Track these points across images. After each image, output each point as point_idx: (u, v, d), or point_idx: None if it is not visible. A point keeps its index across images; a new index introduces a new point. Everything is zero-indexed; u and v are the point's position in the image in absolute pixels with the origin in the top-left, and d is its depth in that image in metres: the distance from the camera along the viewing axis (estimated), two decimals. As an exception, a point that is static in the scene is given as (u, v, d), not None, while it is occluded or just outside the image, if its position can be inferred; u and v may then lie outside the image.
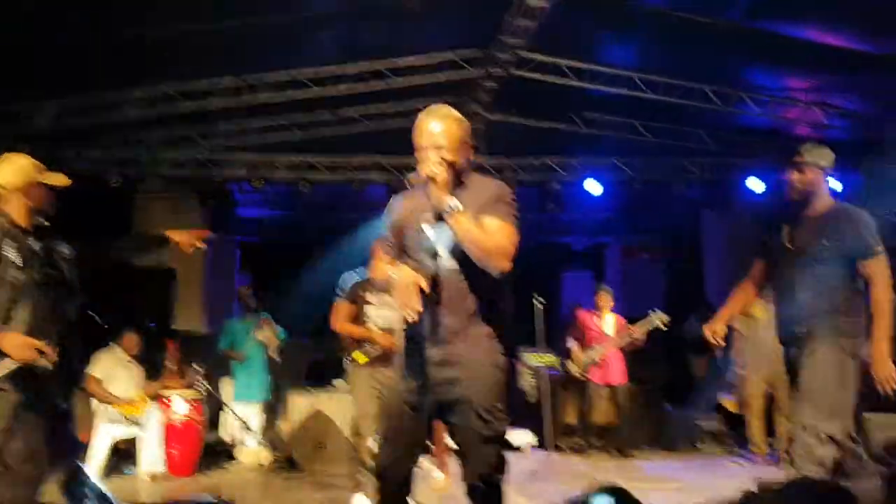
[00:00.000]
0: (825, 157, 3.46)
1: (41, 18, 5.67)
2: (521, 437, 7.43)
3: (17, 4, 5.32)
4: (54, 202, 3.21)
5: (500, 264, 2.71)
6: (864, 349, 3.28)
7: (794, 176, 3.46)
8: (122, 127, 7.81)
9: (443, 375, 2.73)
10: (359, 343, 4.83)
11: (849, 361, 3.23)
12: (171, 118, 7.77)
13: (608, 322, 7.09)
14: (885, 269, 3.22)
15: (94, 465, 5.98)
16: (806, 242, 3.38)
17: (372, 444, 4.59)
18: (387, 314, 4.78)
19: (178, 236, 3.51)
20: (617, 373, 7.04)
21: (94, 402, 6.23)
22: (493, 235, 2.68)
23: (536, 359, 8.00)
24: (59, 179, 3.19)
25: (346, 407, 7.20)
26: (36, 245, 3.11)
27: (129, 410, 6.14)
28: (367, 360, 4.74)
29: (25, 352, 2.93)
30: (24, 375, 2.98)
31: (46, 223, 3.20)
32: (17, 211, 3.09)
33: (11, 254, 3.02)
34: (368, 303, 4.83)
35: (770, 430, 6.67)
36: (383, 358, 4.66)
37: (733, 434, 7.44)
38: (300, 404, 7.08)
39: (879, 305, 3.21)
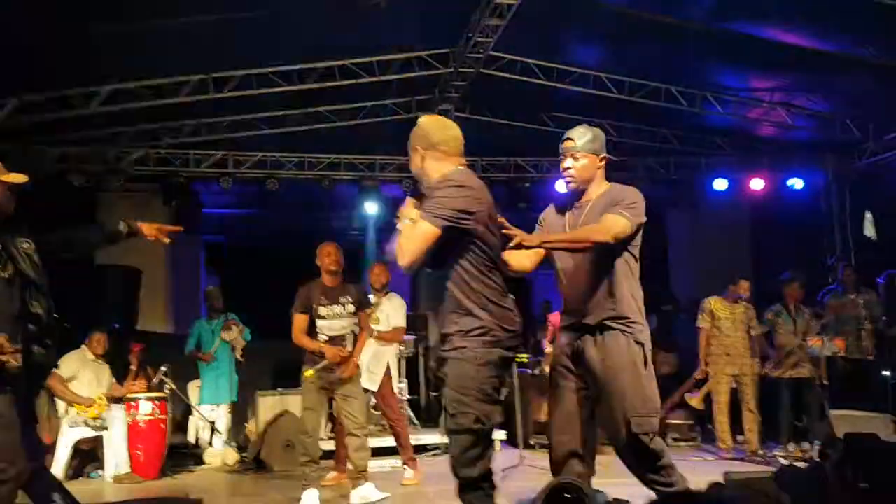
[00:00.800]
0: (597, 139, 3.34)
1: (6, 13, 5.53)
2: (493, 434, 7.44)
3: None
4: (14, 200, 3.14)
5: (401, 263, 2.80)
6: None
7: (569, 164, 3.31)
8: (85, 124, 7.65)
9: (440, 375, 2.86)
10: (311, 356, 5.04)
11: (639, 350, 3.15)
12: (136, 115, 7.64)
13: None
14: (623, 228, 3.10)
15: (57, 466, 5.86)
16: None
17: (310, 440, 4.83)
18: (336, 324, 5.06)
19: (145, 228, 3.42)
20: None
21: (59, 404, 6.11)
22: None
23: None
24: (17, 178, 3.12)
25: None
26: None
27: (89, 413, 6.03)
28: (313, 375, 4.97)
29: None
30: None
31: (4, 221, 3.12)
32: None
33: None
34: (320, 316, 5.06)
35: (736, 425, 6.78)
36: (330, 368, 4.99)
37: (699, 429, 7.54)
38: (268, 404, 7.01)
39: (592, 227, 3.14)
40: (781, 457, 6.34)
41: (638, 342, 3.17)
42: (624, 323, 3.17)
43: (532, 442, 7.15)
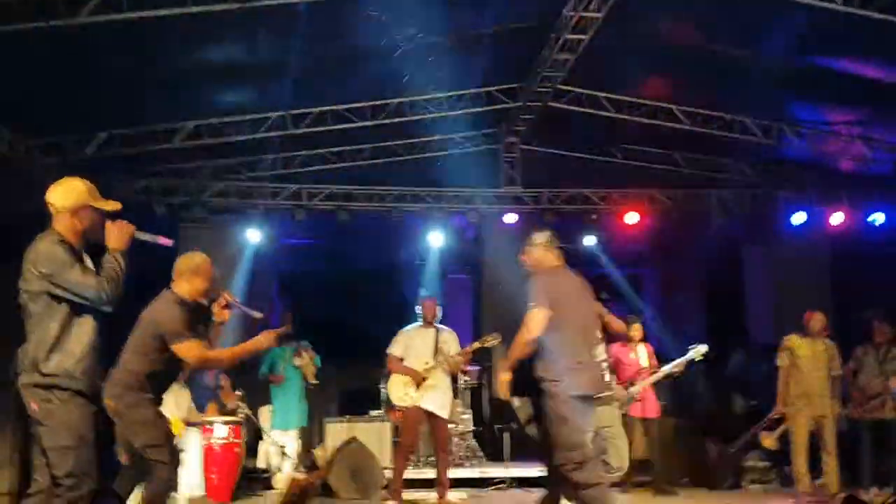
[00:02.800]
0: (538, 237, 4.47)
1: (92, 49, 5.90)
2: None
3: (66, 36, 5.54)
4: (99, 229, 3.24)
5: None
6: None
7: (523, 258, 4.50)
8: (168, 157, 8.04)
9: None
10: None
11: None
12: (217, 148, 7.99)
13: (641, 353, 7.01)
14: (532, 319, 4.15)
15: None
16: None
17: None
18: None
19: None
20: (651, 406, 6.94)
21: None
22: None
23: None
24: (111, 205, 3.26)
25: (382, 434, 7.25)
26: (90, 264, 3.17)
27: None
28: None
29: None
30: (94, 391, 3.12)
31: (98, 247, 3.28)
32: (67, 230, 3.16)
33: None
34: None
35: (815, 467, 6.49)
36: None
37: (777, 471, 7.25)
38: (335, 431, 7.12)
39: (514, 343, 4.29)
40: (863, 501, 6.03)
41: None
42: None
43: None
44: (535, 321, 4.12)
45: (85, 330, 3.10)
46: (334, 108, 7.69)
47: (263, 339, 3.89)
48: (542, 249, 4.45)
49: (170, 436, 3.92)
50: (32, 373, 3.04)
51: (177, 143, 7.61)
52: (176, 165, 8.36)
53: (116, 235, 3.14)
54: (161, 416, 3.89)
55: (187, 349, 3.72)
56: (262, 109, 7.55)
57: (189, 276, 3.90)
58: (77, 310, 3.08)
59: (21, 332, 3.15)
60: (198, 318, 3.88)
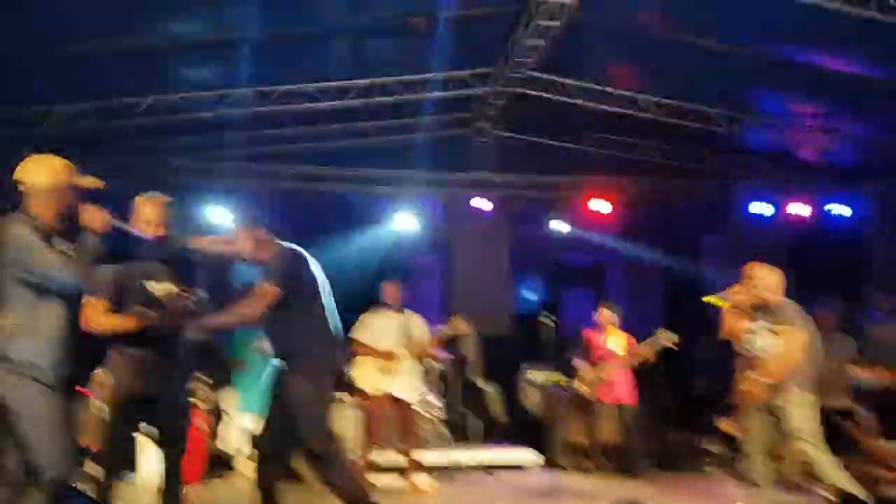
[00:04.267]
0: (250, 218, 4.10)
1: (55, 22, 5.70)
2: (527, 455, 7.40)
3: (28, 7, 5.36)
4: (78, 205, 3.12)
5: None
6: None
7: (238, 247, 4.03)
8: (131, 134, 7.82)
9: None
10: None
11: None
12: (181, 127, 7.79)
13: (613, 340, 7.08)
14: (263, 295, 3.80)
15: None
16: None
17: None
18: None
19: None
20: (626, 392, 7.02)
21: (104, 408, 6.17)
22: None
23: (542, 377, 7.99)
24: (92, 182, 3.11)
25: (349, 419, 7.19)
26: (62, 245, 3.03)
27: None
28: None
29: None
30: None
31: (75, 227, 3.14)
32: (45, 211, 3.02)
33: None
34: None
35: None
36: None
37: (736, 456, 7.41)
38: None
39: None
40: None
41: None
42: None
43: (566, 466, 7.10)
44: None
45: (53, 316, 2.98)
46: (301, 86, 7.55)
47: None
48: None
49: None
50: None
51: (136, 120, 7.39)
52: (134, 142, 8.14)
53: (96, 219, 3.04)
54: None
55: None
56: (226, 86, 7.38)
57: None
58: (44, 295, 2.95)
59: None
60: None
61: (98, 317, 3.58)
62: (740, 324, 5.13)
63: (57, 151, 7.21)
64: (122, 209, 8.99)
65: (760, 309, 5.05)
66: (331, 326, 3.97)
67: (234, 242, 3.99)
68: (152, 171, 8.32)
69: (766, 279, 5.06)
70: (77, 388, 6.52)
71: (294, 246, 4.02)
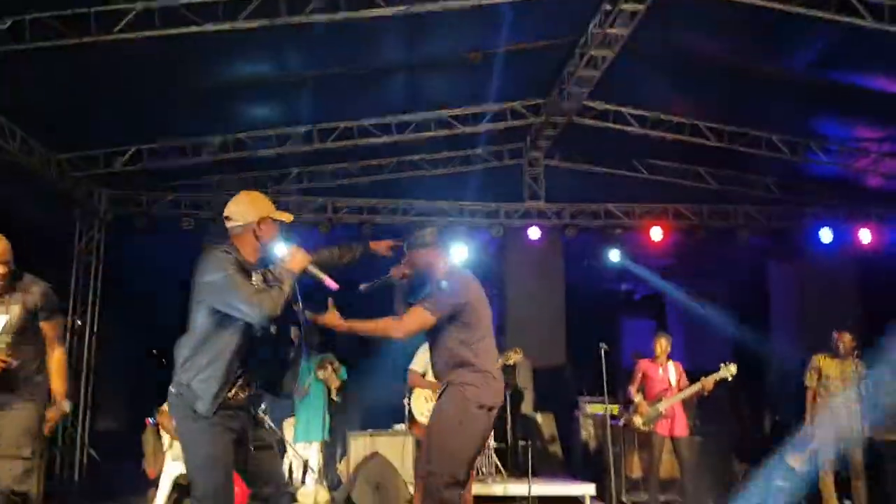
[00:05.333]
0: (424, 235, 3.86)
1: (122, 65, 6.00)
2: (582, 489, 7.27)
3: (98, 52, 5.64)
4: (276, 237, 3.23)
5: None
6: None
7: (406, 262, 3.87)
8: (195, 172, 8.15)
9: None
10: None
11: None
12: (243, 162, 8.08)
13: (670, 370, 6.92)
14: (417, 317, 3.65)
15: (159, 500, 6.11)
16: None
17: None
18: None
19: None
20: (680, 424, 6.85)
21: (165, 438, 6.38)
22: None
23: (598, 409, 7.87)
24: (287, 216, 3.25)
25: (405, 449, 7.22)
26: (257, 281, 3.12)
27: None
28: None
29: None
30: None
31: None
32: (245, 244, 3.13)
33: None
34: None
35: (843, 490, 6.38)
36: None
37: (805, 492, 7.12)
38: (359, 445, 7.11)
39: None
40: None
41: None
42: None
43: (625, 500, 6.94)
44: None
45: (226, 347, 3.02)
46: (360, 123, 7.75)
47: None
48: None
49: None
50: (173, 382, 3.04)
51: (204, 157, 7.71)
52: (203, 180, 8.47)
53: (299, 259, 3.10)
54: None
55: None
56: (288, 124, 7.64)
57: None
58: (225, 325, 3.01)
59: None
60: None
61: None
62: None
63: (134, 189, 7.53)
64: (192, 244, 9.33)
65: None
66: (492, 359, 3.78)
67: (410, 264, 3.85)
68: (216, 206, 8.63)
69: None
70: (146, 420, 6.79)
71: (466, 271, 3.92)
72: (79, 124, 6.83)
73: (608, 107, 7.81)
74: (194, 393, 2.98)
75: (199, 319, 3.03)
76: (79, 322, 7.84)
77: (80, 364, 7.79)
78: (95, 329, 8.00)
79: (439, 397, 3.75)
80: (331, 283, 3.21)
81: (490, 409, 3.63)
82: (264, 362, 3.18)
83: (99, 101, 6.41)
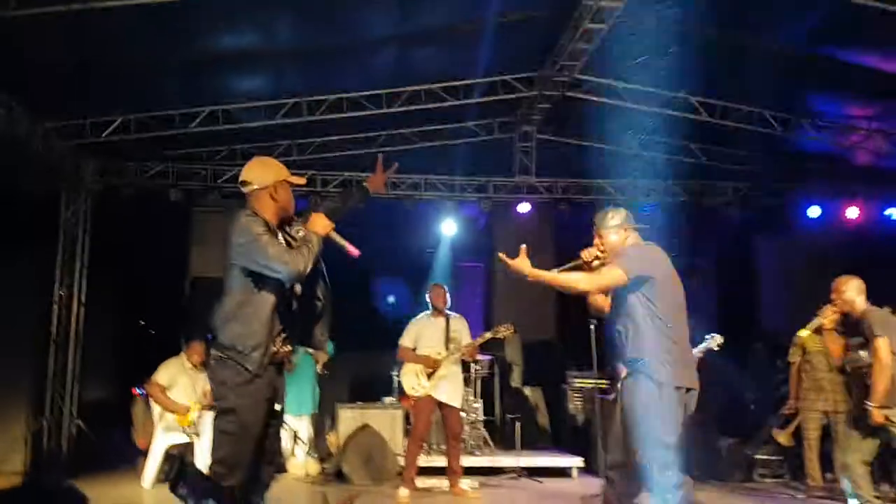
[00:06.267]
0: (612, 216, 3.83)
1: (111, 32, 5.90)
2: (570, 461, 7.37)
3: (87, 20, 5.54)
4: (291, 206, 3.34)
5: None
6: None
7: (597, 242, 3.83)
8: (184, 142, 8.05)
9: None
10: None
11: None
12: (232, 134, 7.99)
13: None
14: (611, 273, 3.58)
15: (150, 470, 6.13)
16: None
17: None
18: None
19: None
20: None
21: (155, 409, 6.39)
22: None
23: (586, 383, 7.94)
24: (301, 180, 3.38)
25: (394, 422, 7.29)
26: (282, 240, 3.22)
27: (181, 421, 6.26)
28: None
29: None
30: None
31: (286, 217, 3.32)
32: (264, 207, 3.23)
33: None
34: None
35: (827, 463, 6.49)
36: None
37: (789, 465, 7.25)
38: (348, 418, 7.16)
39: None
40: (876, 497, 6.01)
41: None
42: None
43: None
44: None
45: (264, 304, 3.11)
46: (350, 95, 7.67)
47: None
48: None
49: None
50: (213, 344, 3.14)
51: (193, 128, 7.62)
52: (191, 150, 8.38)
53: (322, 224, 3.22)
54: None
55: None
56: (277, 95, 7.54)
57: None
58: (261, 284, 3.11)
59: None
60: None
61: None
62: (839, 342, 5.05)
63: (122, 159, 7.44)
64: (179, 216, 9.19)
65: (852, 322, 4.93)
66: (685, 339, 3.68)
67: (600, 246, 3.79)
68: (204, 178, 8.56)
69: (849, 291, 4.90)
70: (132, 389, 6.79)
71: (659, 249, 3.81)
72: (67, 93, 6.71)
73: (601, 80, 7.76)
74: (241, 352, 3.06)
75: (235, 282, 3.13)
76: (61, 293, 7.77)
77: (68, 335, 7.75)
78: (83, 300, 7.94)
79: (626, 377, 3.63)
80: (352, 250, 3.26)
81: (688, 390, 3.58)
82: (296, 318, 3.27)
83: (88, 70, 6.30)
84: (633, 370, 3.59)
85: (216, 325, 3.13)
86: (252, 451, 3.09)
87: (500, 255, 3.48)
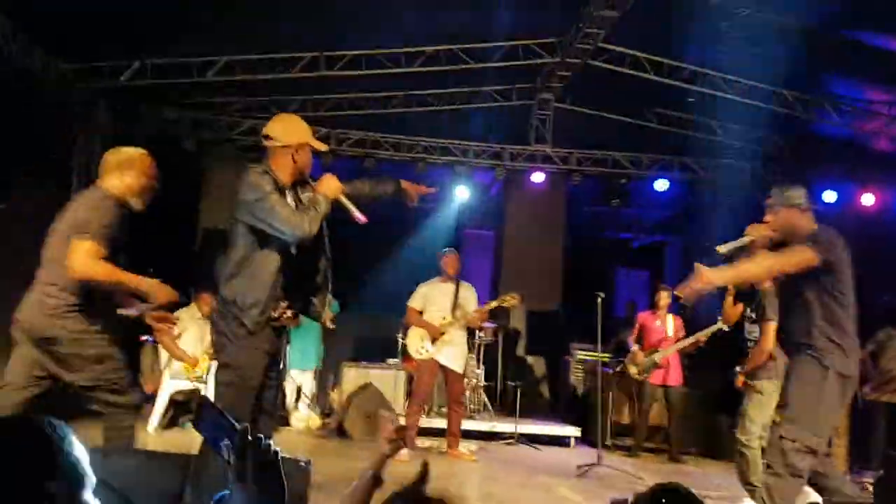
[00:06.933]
0: (796, 194, 3.66)
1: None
2: (568, 430, 7.43)
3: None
4: (309, 168, 3.29)
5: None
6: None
7: (769, 219, 3.66)
8: (200, 91, 7.99)
9: None
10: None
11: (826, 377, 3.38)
12: (249, 86, 7.92)
13: (668, 322, 7.00)
14: (802, 252, 3.41)
15: (155, 415, 6.21)
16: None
17: None
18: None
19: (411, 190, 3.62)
20: (674, 374, 6.97)
21: (162, 355, 6.44)
22: None
23: (589, 355, 7.97)
24: (323, 146, 3.35)
25: (396, 383, 7.35)
26: (291, 201, 3.17)
27: (188, 370, 6.32)
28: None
29: None
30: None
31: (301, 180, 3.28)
32: (282, 166, 3.18)
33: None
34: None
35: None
36: None
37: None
38: (352, 376, 7.22)
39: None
40: (870, 483, 6.07)
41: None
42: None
43: (609, 443, 7.09)
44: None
45: (269, 262, 3.10)
46: (369, 52, 7.58)
47: (154, 291, 3.23)
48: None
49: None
50: (216, 298, 3.15)
51: (210, 76, 7.55)
52: (206, 100, 8.31)
53: (331, 186, 3.17)
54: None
55: (79, 249, 3.05)
56: (296, 49, 7.46)
57: (120, 170, 3.35)
58: (265, 242, 3.09)
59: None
60: (121, 225, 3.24)
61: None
62: (737, 308, 5.05)
63: (136, 104, 7.37)
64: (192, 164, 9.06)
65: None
66: (855, 327, 3.53)
67: (773, 225, 3.65)
68: (218, 128, 8.51)
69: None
70: (140, 338, 6.83)
71: (836, 232, 3.63)
72: (84, 36, 6.65)
73: (625, 50, 7.64)
74: (240, 308, 3.05)
75: (240, 238, 3.11)
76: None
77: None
78: (93, 245, 7.96)
79: (792, 358, 3.55)
80: (359, 216, 3.20)
81: (848, 378, 3.44)
82: (300, 286, 3.23)
83: (106, 13, 6.23)
84: (801, 354, 3.47)
85: (220, 278, 3.13)
86: (251, 402, 3.10)
87: (698, 265, 3.30)
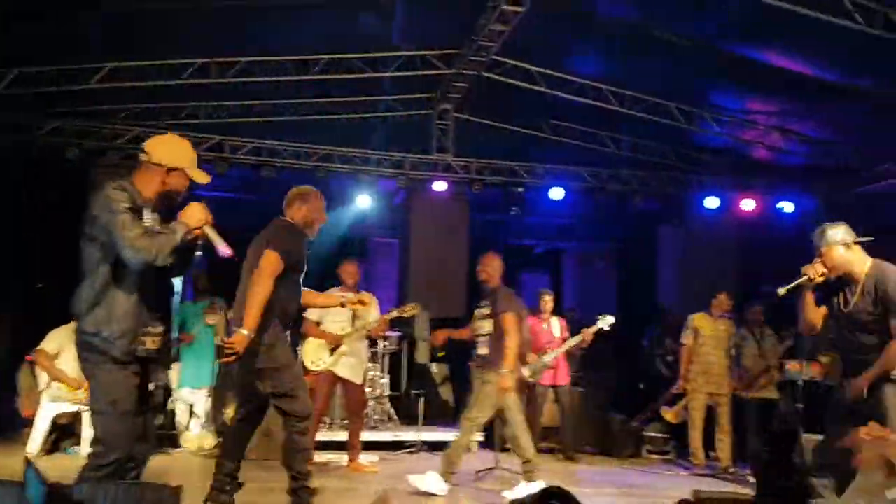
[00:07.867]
0: (833, 232, 3.73)
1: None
2: (468, 436, 7.48)
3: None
4: (181, 195, 3.11)
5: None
6: None
7: (824, 263, 3.73)
8: (86, 99, 7.63)
9: None
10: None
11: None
12: (138, 93, 7.62)
13: (554, 325, 7.22)
14: None
15: (35, 440, 5.87)
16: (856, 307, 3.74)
17: None
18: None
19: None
20: (562, 373, 7.19)
21: (41, 377, 6.09)
22: None
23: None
24: (203, 177, 3.12)
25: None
26: (149, 219, 2.99)
27: (71, 391, 6.01)
28: None
29: None
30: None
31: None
32: (148, 184, 3.02)
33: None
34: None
35: (709, 443, 6.86)
36: None
37: (674, 443, 7.61)
38: (249, 391, 7.02)
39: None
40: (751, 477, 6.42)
41: None
42: None
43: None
44: None
45: (127, 288, 2.92)
46: (264, 59, 7.44)
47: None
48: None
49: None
50: (77, 328, 2.95)
51: (92, 84, 7.22)
52: (91, 108, 7.94)
53: (196, 216, 3.00)
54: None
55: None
56: (187, 55, 7.23)
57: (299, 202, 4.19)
58: (120, 265, 2.89)
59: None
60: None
61: None
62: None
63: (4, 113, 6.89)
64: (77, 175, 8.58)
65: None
66: None
67: (826, 264, 3.71)
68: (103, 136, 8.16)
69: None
70: (26, 356, 6.44)
71: None
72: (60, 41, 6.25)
73: (518, 63, 7.82)
74: (106, 340, 2.90)
75: (97, 262, 2.92)
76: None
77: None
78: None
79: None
80: (224, 250, 3.07)
81: None
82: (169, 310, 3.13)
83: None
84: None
85: (79, 310, 2.92)
86: (127, 427, 2.97)
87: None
